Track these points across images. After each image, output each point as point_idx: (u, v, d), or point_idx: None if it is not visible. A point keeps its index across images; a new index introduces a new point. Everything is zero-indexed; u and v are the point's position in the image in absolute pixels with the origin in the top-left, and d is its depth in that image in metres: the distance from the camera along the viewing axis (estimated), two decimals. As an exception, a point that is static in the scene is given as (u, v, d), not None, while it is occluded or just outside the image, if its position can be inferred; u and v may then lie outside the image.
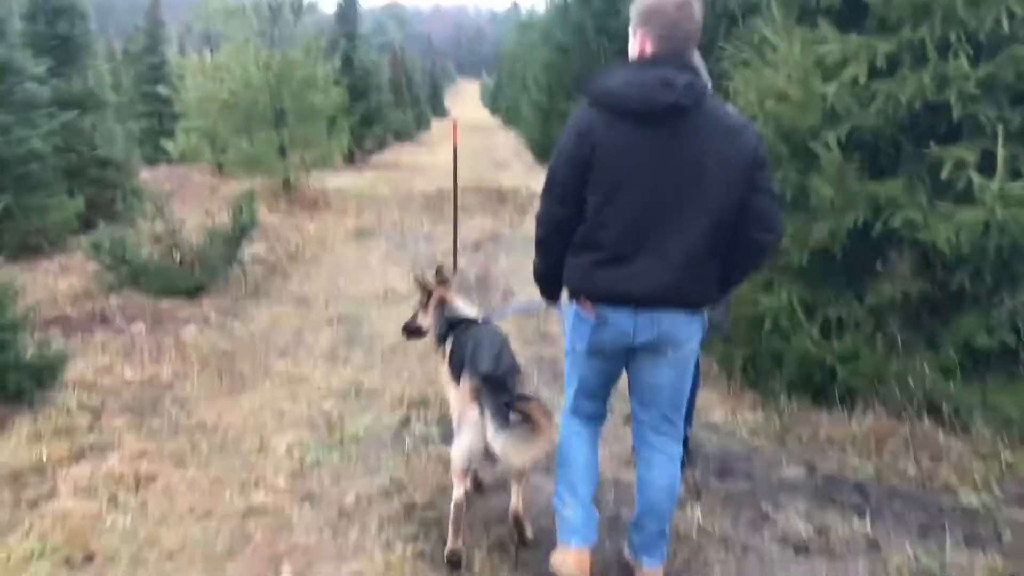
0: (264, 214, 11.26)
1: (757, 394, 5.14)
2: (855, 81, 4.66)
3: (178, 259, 7.85)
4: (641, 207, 2.79)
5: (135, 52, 21.36)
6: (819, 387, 4.86)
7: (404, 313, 6.82)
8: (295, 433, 4.77)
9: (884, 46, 4.59)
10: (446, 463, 4.05)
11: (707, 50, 8.63)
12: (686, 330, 2.92)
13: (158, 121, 19.80)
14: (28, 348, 4.91)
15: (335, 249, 9.98)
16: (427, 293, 4.23)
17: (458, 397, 3.58)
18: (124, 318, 6.71)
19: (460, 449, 3.43)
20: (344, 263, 9.19)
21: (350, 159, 21.19)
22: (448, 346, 3.93)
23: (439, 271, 4.32)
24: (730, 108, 3.08)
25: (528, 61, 30.09)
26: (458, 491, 3.42)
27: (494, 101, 52.19)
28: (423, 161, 21.60)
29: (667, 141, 2.75)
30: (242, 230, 7.99)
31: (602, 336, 2.94)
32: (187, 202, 12.76)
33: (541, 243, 3.09)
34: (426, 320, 4.24)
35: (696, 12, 2.80)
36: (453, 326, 3.98)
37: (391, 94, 31.50)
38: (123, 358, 5.88)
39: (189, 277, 7.55)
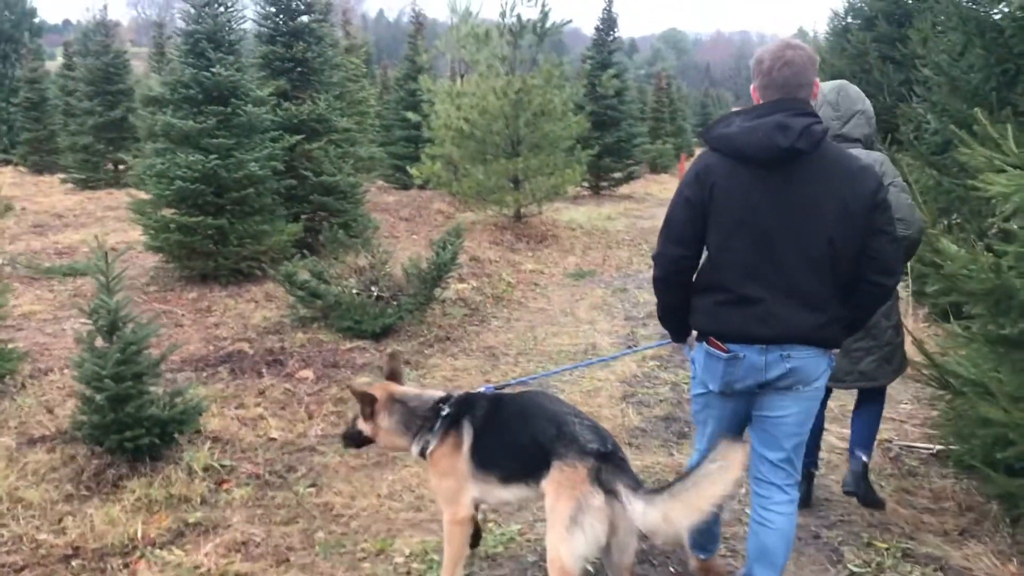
0: (484, 248, 10.72)
1: (1055, 561, 3.61)
2: None
3: (375, 296, 7.37)
4: (761, 249, 2.81)
5: (397, 79, 22.00)
6: None
7: (600, 379, 5.86)
8: (424, 534, 3.91)
9: None
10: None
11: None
12: (815, 367, 2.91)
13: (415, 146, 20.21)
14: (159, 400, 4.44)
15: (547, 291, 9.13)
16: (368, 400, 3.35)
17: (563, 485, 2.89)
18: (299, 360, 6.24)
19: (582, 547, 2.83)
20: (551, 309, 8.31)
21: (597, 190, 20.49)
22: (466, 433, 3.18)
23: (393, 356, 3.72)
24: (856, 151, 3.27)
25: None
26: None
27: (765, 130, 49.37)
28: (672, 195, 20.42)
29: (785, 184, 2.79)
30: (439, 270, 7.35)
31: (735, 372, 2.90)
32: (418, 230, 12.57)
33: (659, 282, 3.07)
34: (368, 427, 3.38)
35: (799, 57, 2.83)
36: (463, 407, 3.26)
37: (652, 123, 30.65)
38: (277, 409, 5.34)
39: (380, 316, 7.00)
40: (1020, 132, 4.89)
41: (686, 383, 5.91)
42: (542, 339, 7.16)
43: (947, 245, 4.24)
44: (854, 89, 4.01)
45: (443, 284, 7.97)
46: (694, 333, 3.06)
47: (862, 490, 4.10)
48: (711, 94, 68.14)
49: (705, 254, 2.93)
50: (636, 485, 2.86)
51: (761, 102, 2.87)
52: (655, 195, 20.44)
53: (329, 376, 5.94)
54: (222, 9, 8.64)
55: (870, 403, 4.18)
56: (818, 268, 2.79)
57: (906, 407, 5.58)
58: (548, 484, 2.93)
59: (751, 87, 2.95)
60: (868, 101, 3.98)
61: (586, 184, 20.20)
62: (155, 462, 4.40)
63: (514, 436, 3.13)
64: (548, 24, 12.36)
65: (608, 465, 2.87)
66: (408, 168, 16.24)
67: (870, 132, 3.96)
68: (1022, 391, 3.81)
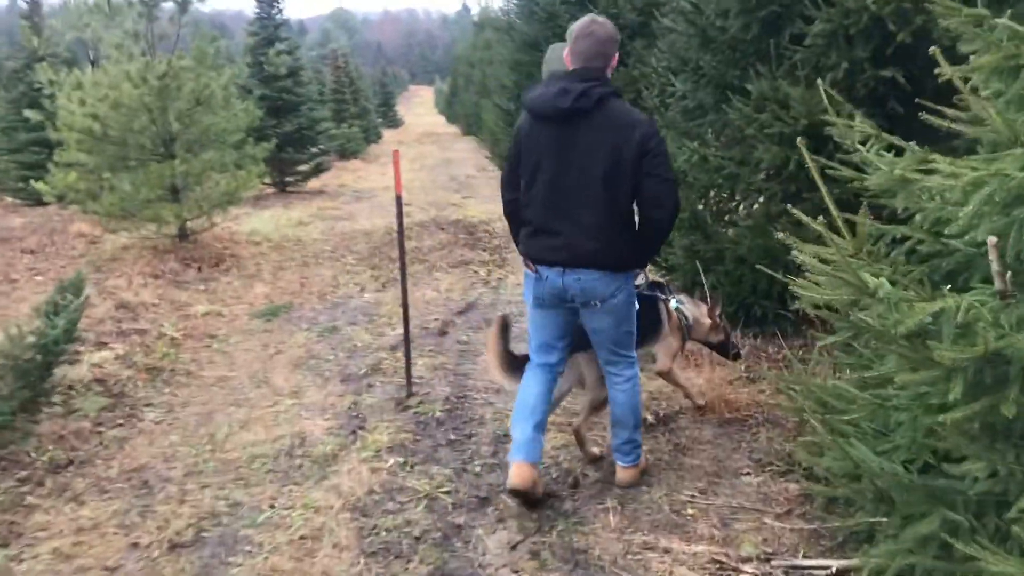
0: (137, 286, 8.07)
1: None
2: None
3: (-56, 403, 4.64)
4: (554, 189, 3.53)
5: (15, 71, 17.83)
6: None
7: (317, 505, 3.79)
8: None
9: None
10: None
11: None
12: (605, 286, 3.58)
13: (47, 153, 16.40)
14: None
15: (228, 345, 6.64)
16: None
17: None
18: None
19: None
20: (236, 377, 5.88)
21: (283, 187, 17.94)
22: None
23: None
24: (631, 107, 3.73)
25: (486, 62, 27.28)
26: None
27: (449, 107, 48.91)
28: (370, 184, 18.32)
29: (571, 136, 3.47)
30: (48, 352, 4.79)
31: (542, 289, 3.68)
32: (47, 268, 9.53)
33: (506, 217, 3.90)
34: None
35: (600, 30, 3.50)
36: None
37: (333, 106, 28.39)
38: None
39: (-52, 445, 4.34)
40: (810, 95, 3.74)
41: (444, 491, 4.00)
42: (224, 437, 4.77)
43: (878, 282, 2.59)
44: None
45: (64, 362, 5.39)
46: None
47: None
48: (388, 72, 67.15)
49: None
50: None
51: (568, 67, 3.57)
52: (350, 186, 18.25)
53: None
54: None
55: None
56: (596, 205, 3.48)
57: (749, 479, 4.01)
58: None
59: (564, 53, 3.63)
60: None
61: (269, 182, 17.60)
62: None
63: None
64: (192, -10, 9.74)
65: None
66: (35, 181, 12.78)
67: None
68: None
